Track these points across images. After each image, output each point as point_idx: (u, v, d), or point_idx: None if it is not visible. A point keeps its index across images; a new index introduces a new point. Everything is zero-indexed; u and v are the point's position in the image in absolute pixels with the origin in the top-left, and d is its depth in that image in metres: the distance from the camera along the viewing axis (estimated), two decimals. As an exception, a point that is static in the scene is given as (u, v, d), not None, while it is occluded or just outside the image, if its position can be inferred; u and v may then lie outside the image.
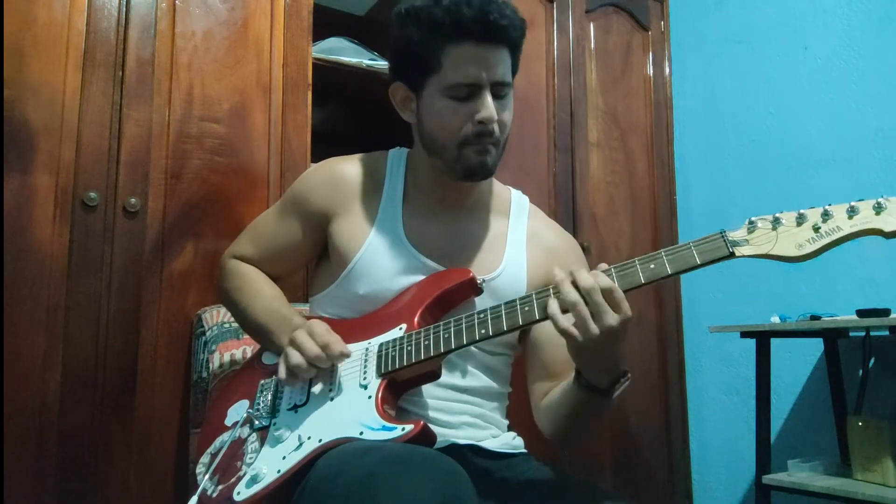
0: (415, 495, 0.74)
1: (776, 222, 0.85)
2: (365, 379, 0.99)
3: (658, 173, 2.39)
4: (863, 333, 1.91)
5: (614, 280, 0.89)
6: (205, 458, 1.05)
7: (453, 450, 1.02)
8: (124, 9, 1.49)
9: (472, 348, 1.09)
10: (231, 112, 1.60)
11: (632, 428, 2.21)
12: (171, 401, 1.45)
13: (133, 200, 1.45)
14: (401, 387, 1.00)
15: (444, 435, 1.03)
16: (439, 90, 1.04)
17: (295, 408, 1.01)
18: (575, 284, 0.88)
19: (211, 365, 1.35)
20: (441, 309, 1.05)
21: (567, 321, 0.87)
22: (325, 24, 1.84)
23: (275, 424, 1.00)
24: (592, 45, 2.30)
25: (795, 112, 2.22)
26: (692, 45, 2.54)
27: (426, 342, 0.97)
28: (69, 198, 1.39)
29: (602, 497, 0.97)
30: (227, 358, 1.34)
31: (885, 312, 1.69)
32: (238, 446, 1.02)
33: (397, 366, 0.97)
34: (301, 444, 0.95)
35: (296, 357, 0.98)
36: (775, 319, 1.98)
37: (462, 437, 1.05)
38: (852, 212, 0.81)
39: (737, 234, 0.87)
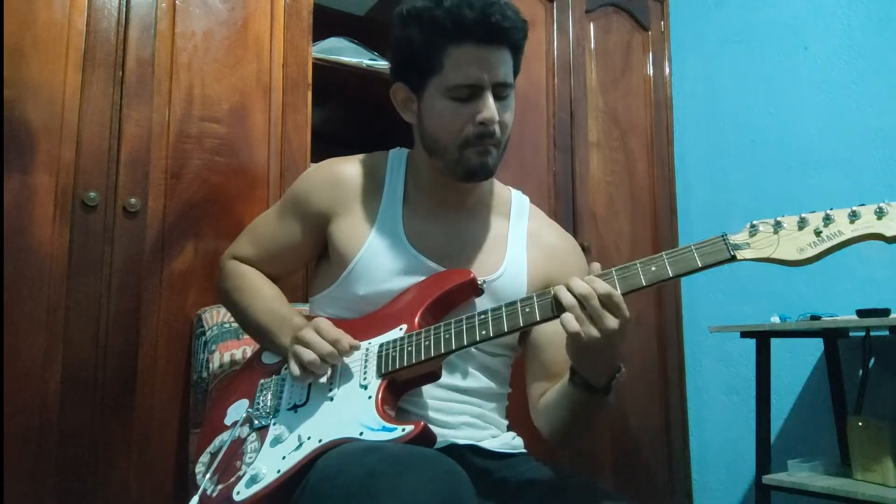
0: (415, 495, 0.74)
1: (778, 226, 0.85)
2: (365, 379, 0.99)
3: (658, 173, 2.39)
4: (863, 333, 1.91)
5: (616, 283, 0.89)
6: (204, 458, 1.05)
7: (453, 450, 1.02)
8: (124, 9, 1.49)
9: (472, 349, 1.09)
10: (231, 112, 1.60)
11: (632, 428, 2.21)
12: (171, 401, 1.45)
13: (133, 200, 1.45)
14: (401, 387, 1.00)
15: (444, 435, 1.03)
16: (440, 91, 1.04)
17: (295, 407, 1.01)
18: (571, 291, 0.88)
19: (211, 365, 1.35)
20: (442, 310, 1.05)
21: (574, 323, 0.87)
22: (325, 24, 1.84)
23: (274, 424, 1.00)
24: (592, 45, 2.30)
25: (795, 112, 2.22)
26: (692, 45, 2.54)
27: (426, 343, 0.97)
28: (69, 198, 1.39)
29: (602, 497, 0.97)
30: (227, 358, 1.34)
31: (885, 312, 1.69)
32: (238, 446, 1.02)
33: (397, 366, 0.97)
34: (301, 444, 0.95)
35: (308, 354, 0.98)
36: (775, 319, 1.98)
37: (462, 437, 1.05)
38: (854, 216, 0.81)
39: (738, 238, 0.87)
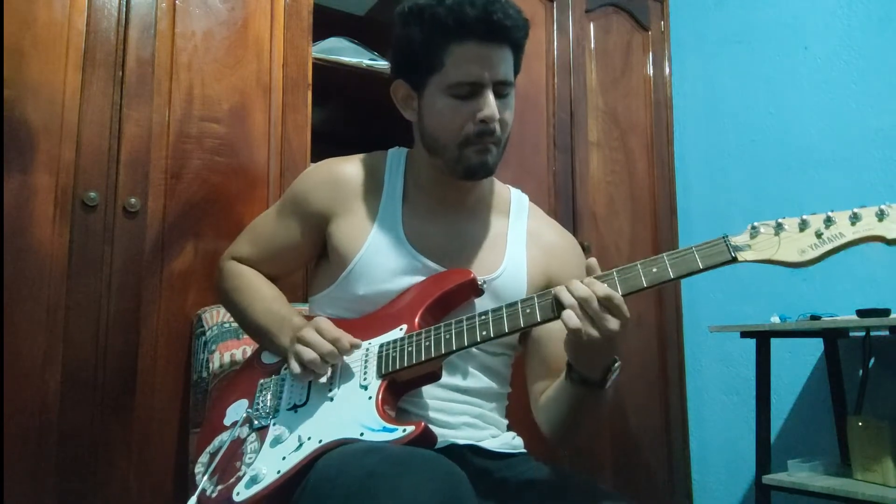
0: (415, 496, 0.74)
1: (779, 228, 0.85)
2: (365, 379, 0.98)
3: (658, 173, 2.39)
4: (863, 333, 1.91)
5: (617, 284, 0.89)
6: (204, 458, 1.05)
7: (453, 450, 1.02)
8: (124, 9, 1.49)
9: (473, 349, 1.09)
10: (231, 112, 1.60)
11: (632, 428, 2.21)
12: (171, 401, 1.45)
13: (133, 200, 1.45)
14: (401, 388, 1.00)
15: (444, 435, 1.03)
16: (441, 89, 1.04)
17: (295, 408, 1.00)
18: (571, 293, 0.89)
19: (211, 365, 1.35)
20: (442, 310, 1.05)
21: (576, 319, 0.88)
22: (325, 24, 1.84)
23: (274, 424, 1.00)
24: (592, 45, 2.30)
25: (795, 112, 2.22)
26: (692, 45, 2.54)
27: (427, 343, 0.97)
28: (69, 198, 1.39)
29: (602, 497, 0.97)
30: (227, 358, 1.34)
31: (885, 312, 1.69)
32: (237, 446, 1.01)
33: (398, 366, 0.97)
34: (301, 445, 0.94)
35: (309, 353, 0.98)
36: (775, 319, 1.98)
37: (462, 437, 1.05)
38: (855, 218, 0.81)
39: (739, 239, 0.87)
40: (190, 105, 1.55)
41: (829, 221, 0.83)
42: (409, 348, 0.98)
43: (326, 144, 1.74)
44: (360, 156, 1.20)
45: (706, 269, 0.87)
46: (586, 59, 2.27)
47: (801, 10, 2.24)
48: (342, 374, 1.01)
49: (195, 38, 1.57)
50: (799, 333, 1.93)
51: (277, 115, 1.65)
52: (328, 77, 1.80)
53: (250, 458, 0.98)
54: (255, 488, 0.93)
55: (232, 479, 0.96)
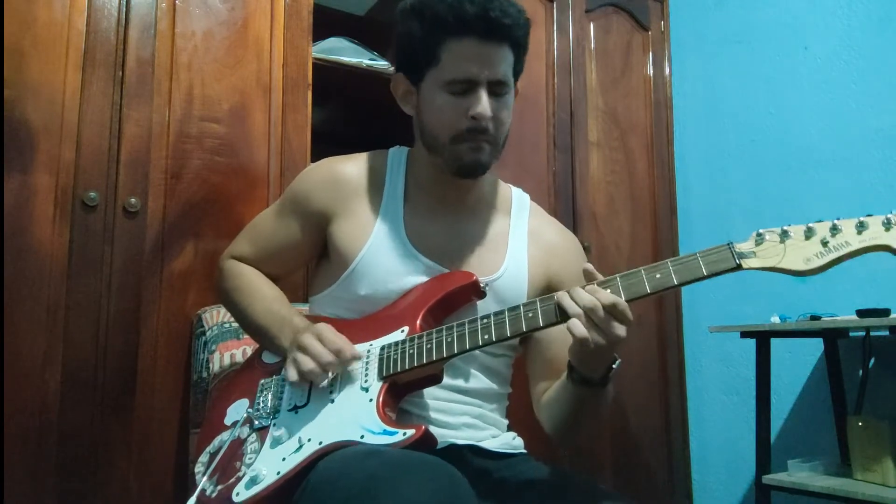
0: (416, 500, 0.74)
1: (784, 235, 0.85)
2: (366, 381, 0.98)
3: (658, 173, 2.39)
4: (863, 333, 1.91)
5: (620, 290, 0.89)
6: (203, 458, 1.04)
7: (453, 450, 1.02)
8: (124, 9, 1.49)
9: (474, 351, 1.09)
10: (231, 112, 1.60)
11: (632, 428, 2.21)
12: (171, 401, 1.45)
13: (133, 200, 1.45)
14: (402, 390, 1.00)
15: (444, 436, 1.03)
16: (437, 84, 1.05)
17: (295, 408, 1.00)
18: (575, 302, 0.89)
19: (211, 365, 1.35)
20: (444, 311, 1.04)
21: (582, 328, 0.88)
22: (325, 24, 1.83)
23: (275, 425, 0.99)
24: (592, 45, 2.30)
25: (795, 112, 2.22)
26: (692, 45, 2.54)
27: (429, 346, 0.97)
28: (69, 198, 1.39)
29: (602, 497, 0.97)
30: (227, 358, 1.34)
31: (885, 312, 1.69)
32: (237, 446, 1.01)
33: (399, 369, 0.97)
34: (301, 446, 0.94)
35: (308, 363, 0.97)
36: (775, 319, 1.98)
37: (462, 437, 1.05)
38: (861, 227, 0.81)
39: (744, 246, 0.87)
40: (190, 105, 1.55)
41: (835, 230, 0.82)
42: (411, 351, 0.97)
43: (326, 144, 1.74)
44: (361, 155, 1.20)
45: (710, 275, 0.87)
46: (586, 59, 2.27)
47: (801, 10, 2.24)
48: (343, 375, 1.01)
49: (195, 38, 1.57)
50: (799, 333, 1.93)
51: (277, 115, 1.65)
52: (328, 77, 1.80)
53: (250, 459, 0.98)
54: (255, 489, 0.93)
55: (232, 480, 0.96)
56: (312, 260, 1.22)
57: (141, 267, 1.45)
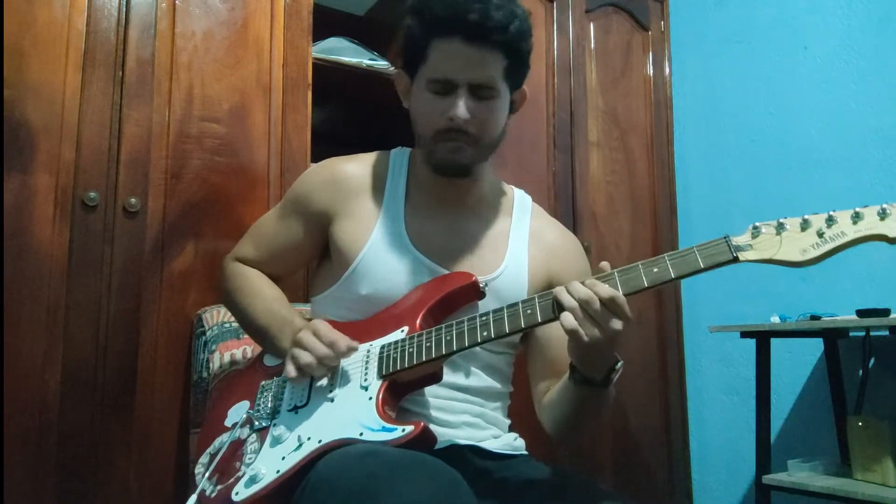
0: (415, 499, 0.74)
1: (780, 227, 0.85)
2: (366, 380, 0.98)
3: (658, 173, 2.39)
4: (863, 333, 1.91)
5: (618, 284, 0.89)
6: (204, 458, 1.05)
7: (453, 450, 1.02)
8: (124, 9, 1.49)
9: (475, 348, 1.09)
10: (231, 112, 1.60)
11: (632, 428, 2.21)
12: (171, 401, 1.45)
13: (133, 200, 1.45)
14: (402, 389, 1.00)
15: (445, 435, 1.03)
16: (423, 82, 1.06)
17: (295, 409, 1.00)
18: (571, 295, 0.89)
19: (211, 365, 1.35)
20: (444, 311, 1.05)
21: (573, 321, 0.88)
22: (325, 24, 1.83)
23: (275, 425, 0.99)
24: (592, 45, 2.30)
25: (795, 112, 2.22)
26: (692, 45, 2.54)
27: (428, 344, 0.97)
28: (69, 198, 1.39)
29: (602, 497, 0.97)
30: (227, 358, 1.34)
31: (885, 312, 1.69)
32: (238, 447, 1.01)
33: (398, 367, 0.97)
34: (301, 445, 0.94)
35: (306, 356, 0.98)
36: (775, 319, 1.98)
37: (462, 437, 1.05)
38: (857, 217, 0.81)
39: (741, 239, 0.87)
40: (190, 105, 1.55)
41: (830, 221, 0.82)
42: (410, 349, 0.98)
43: (326, 144, 1.74)
44: (363, 155, 1.20)
45: (707, 268, 0.87)
46: (586, 59, 2.27)
47: (801, 10, 2.24)
48: (343, 375, 1.01)
49: (195, 38, 1.57)
50: (799, 333, 1.93)
51: (277, 115, 1.65)
52: (328, 77, 1.80)
53: (250, 459, 0.98)
54: (255, 488, 0.93)
55: (231, 480, 0.96)
56: (314, 260, 1.22)
57: (141, 267, 1.45)
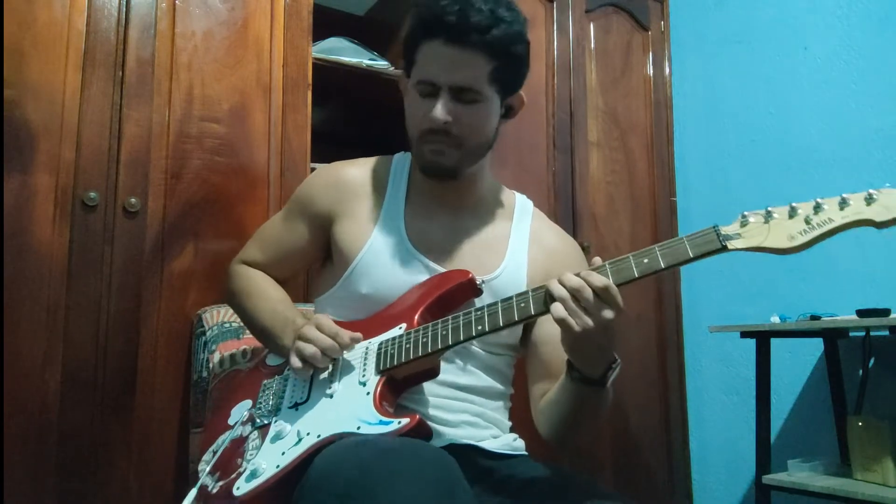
0: (409, 485, 0.75)
1: (768, 216, 0.86)
2: (364, 376, 0.99)
3: (658, 173, 2.39)
4: (863, 333, 1.91)
5: (609, 275, 0.90)
6: (207, 457, 1.06)
7: (452, 449, 1.02)
8: (124, 9, 1.49)
9: (474, 348, 1.10)
10: (231, 112, 1.60)
11: (632, 428, 2.21)
12: (171, 401, 1.45)
13: (133, 200, 1.45)
14: (400, 384, 1.01)
15: (444, 433, 1.03)
16: (412, 84, 1.08)
17: (296, 405, 1.02)
18: (563, 285, 0.89)
19: (211, 365, 1.35)
20: (442, 309, 1.05)
21: (562, 310, 0.88)
22: (325, 24, 1.84)
23: (275, 422, 1.01)
24: (592, 45, 2.30)
25: (795, 112, 2.22)
26: (692, 45, 2.54)
27: (424, 339, 0.98)
28: (69, 198, 1.39)
29: (602, 497, 0.97)
30: (227, 358, 1.34)
31: (885, 312, 1.69)
32: (239, 444, 1.02)
33: (395, 363, 0.98)
34: (300, 440, 0.95)
35: (309, 348, 0.99)
36: (775, 319, 1.98)
37: (462, 436, 1.06)
38: (844, 203, 0.83)
39: (729, 229, 0.88)
40: (190, 105, 1.55)
41: (818, 208, 0.84)
42: (407, 345, 0.99)
43: (326, 144, 1.75)
44: (366, 159, 1.23)
45: (697, 257, 0.87)
46: (586, 59, 2.27)
47: (801, 10, 2.24)
48: (342, 372, 1.02)
49: (195, 38, 1.57)
50: (799, 333, 1.93)
51: (277, 115, 1.65)
52: (328, 77, 1.80)
53: (251, 455, 0.99)
54: (255, 482, 0.94)
55: (233, 475, 0.97)
56: (318, 262, 1.24)
57: (141, 267, 1.45)
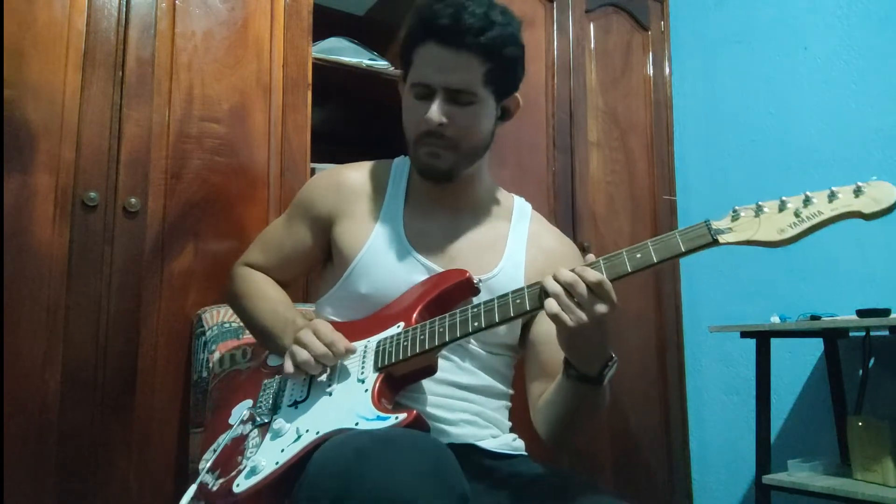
0: (401, 467, 0.76)
1: (759, 210, 0.88)
2: (363, 374, 1.00)
3: (658, 173, 2.39)
4: (863, 333, 1.91)
5: (602, 270, 0.90)
6: (208, 455, 1.06)
7: (451, 449, 1.02)
8: (124, 9, 1.49)
9: (473, 347, 1.10)
10: (231, 112, 1.60)
11: (631, 428, 2.21)
12: (171, 401, 1.45)
13: (133, 200, 1.45)
14: (398, 382, 1.02)
15: (443, 432, 1.04)
16: (408, 87, 1.09)
17: (295, 404, 1.02)
18: (557, 280, 0.90)
19: (211, 365, 1.35)
20: (439, 308, 1.06)
21: (555, 306, 0.89)
22: (325, 24, 1.84)
23: (275, 420, 1.01)
24: (592, 45, 2.30)
25: (795, 112, 2.22)
26: (692, 45, 2.54)
27: (422, 337, 0.99)
28: (69, 198, 1.39)
29: (602, 498, 0.97)
30: (227, 358, 1.34)
31: (885, 312, 1.69)
32: (240, 442, 1.03)
33: (393, 360, 0.99)
34: (299, 437, 0.96)
35: (303, 354, 1.00)
36: (775, 319, 1.98)
37: (461, 435, 1.06)
38: (832, 196, 0.83)
39: (721, 223, 0.89)
40: (190, 105, 1.55)
41: (807, 201, 0.85)
42: (405, 343, 1.00)
43: (326, 144, 1.75)
44: (366, 163, 1.24)
45: (689, 251, 0.88)
46: (586, 59, 2.27)
47: (801, 10, 2.24)
48: (341, 370, 1.03)
49: (195, 38, 1.57)
50: (799, 333, 1.93)
51: (277, 115, 1.66)
52: (328, 77, 1.80)
53: (251, 452, 0.99)
54: (254, 479, 0.94)
55: (233, 473, 0.98)
56: (319, 264, 1.25)
57: (141, 267, 1.45)
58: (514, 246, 1.17)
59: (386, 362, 1.00)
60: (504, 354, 1.15)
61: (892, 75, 2.01)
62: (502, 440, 1.11)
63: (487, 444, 1.08)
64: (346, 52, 1.86)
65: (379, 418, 0.92)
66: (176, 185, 1.51)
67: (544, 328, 1.12)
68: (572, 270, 0.90)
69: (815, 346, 2.08)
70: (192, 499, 0.96)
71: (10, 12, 1.37)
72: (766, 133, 2.29)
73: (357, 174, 1.21)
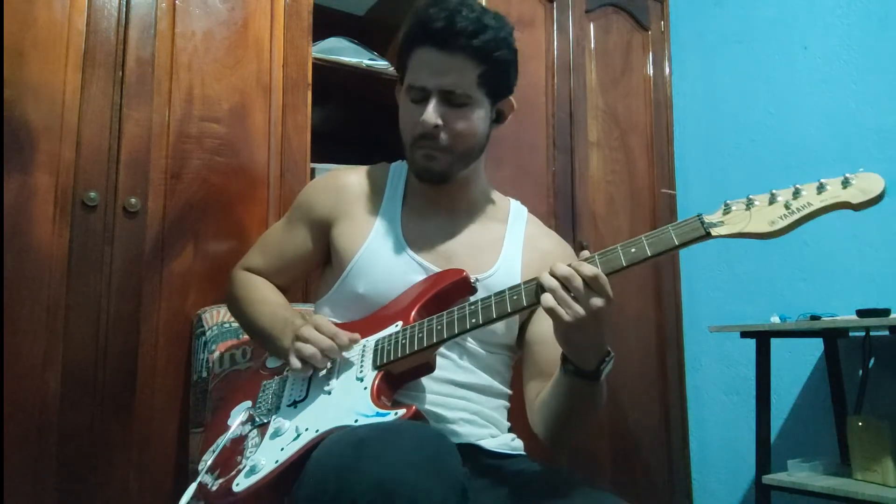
0: (400, 455, 0.76)
1: (750, 203, 0.90)
2: (361, 372, 1.01)
3: (658, 173, 2.39)
4: (863, 333, 1.91)
5: (598, 265, 0.91)
6: (207, 456, 1.06)
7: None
8: (124, 9, 1.49)
9: (471, 345, 1.11)
10: (231, 112, 1.60)
11: (631, 427, 2.21)
12: (171, 401, 1.45)
13: (133, 200, 1.45)
14: (397, 380, 1.02)
15: (442, 431, 1.03)
16: (404, 90, 1.11)
17: (294, 403, 1.03)
18: (553, 275, 0.90)
19: (211, 365, 1.35)
20: (437, 307, 1.06)
21: (551, 300, 0.89)
22: (325, 24, 1.84)
23: (275, 420, 1.02)
24: (592, 45, 2.30)
25: (795, 111, 2.22)
26: (692, 45, 2.54)
27: (420, 335, 0.99)
28: (69, 198, 1.39)
29: (601, 496, 0.97)
30: (227, 358, 1.34)
31: (885, 312, 1.69)
32: (239, 443, 1.03)
33: (392, 358, 1.00)
34: (299, 435, 0.96)
35: (308, 349, 1.00)
36: (775, 319, 1.98)
37: (459, 433, 1.06)
38: (821, 188, 0.85)
39: (713, 217, 0.90)
40: (190, 105, 1.55)
41: (797, 193, 0.86)
42: (403, 341, 1.00)
43: (326, 144, 1.75)
44: (365, 166, 1.25)
45: (682, 245, 0.90)
46: (586, 59, 2.27)
47: (801, 9, 2.24)
48: (340, 369, 1.03)
49: (195, 38, 1.57)
50: (799, 333, 1.93)
51: (277, 115, 1.66)
52: (328, 77, 1.80)
53: (251, 452, 1.00)
54: (254, 478, 0.95)
55: (232, 472, 0.98)
56: (318, 268, 1.26)
57: (141, 267, 1.45)
58: (510, 246, 1.18)
59: (384, 360, 1.00)
60: (502, 353, 1.16)
61: (892, 75, 2.01)
62: (501, 440, 1.11)
63: (486, 443, 1.08)
64: (346, 52, 1.86)
65: (378, 415, 0.92)
66: (176, 185, 1.51)
67: (542, 327, 1.12)
68: (568, 265, 0.90)
69: (815, 346, 2.08)
70: (192, 499, 0.96)
71: (10, 12, 1.37)
72: (766, 133, 2.29)
73: (355, 177, 1.22)
